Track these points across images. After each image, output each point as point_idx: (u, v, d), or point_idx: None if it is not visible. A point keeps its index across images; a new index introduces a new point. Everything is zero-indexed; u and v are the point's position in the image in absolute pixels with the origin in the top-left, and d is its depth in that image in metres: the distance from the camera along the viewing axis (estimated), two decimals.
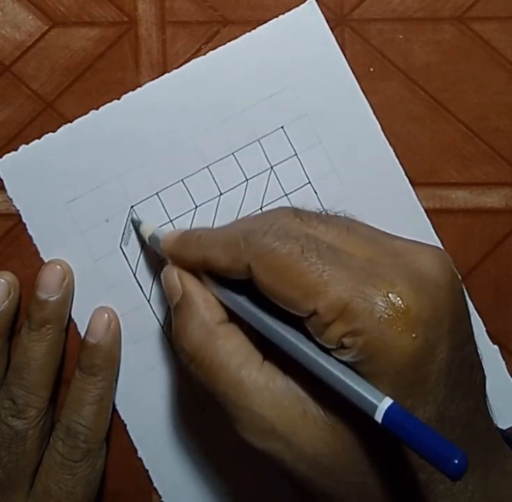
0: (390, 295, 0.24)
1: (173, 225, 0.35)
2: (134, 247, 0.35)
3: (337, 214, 0.29)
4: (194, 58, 0.35)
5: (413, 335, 0.24)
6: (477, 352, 0.27)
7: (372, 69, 0.35)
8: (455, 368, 0.25)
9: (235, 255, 0.27)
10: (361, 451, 0.25)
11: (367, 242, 0.26)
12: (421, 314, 0.24)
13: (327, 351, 0.25)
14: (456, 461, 0.21)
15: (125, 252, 0.35)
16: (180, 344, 0.28)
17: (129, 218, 0.35)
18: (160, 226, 0.35)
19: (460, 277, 0.27)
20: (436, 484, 0.25)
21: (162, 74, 0.35)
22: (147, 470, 0.36)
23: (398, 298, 0.24)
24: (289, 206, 0.29)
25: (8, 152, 0.35)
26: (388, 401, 0.23)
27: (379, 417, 0.23)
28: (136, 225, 0.35)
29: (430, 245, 0.27)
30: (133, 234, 0.35)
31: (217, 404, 0.27)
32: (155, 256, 0.35)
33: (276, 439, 0.26)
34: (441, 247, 0.35)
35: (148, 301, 0.35)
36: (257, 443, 0.26)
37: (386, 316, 0.24)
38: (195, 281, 0.29)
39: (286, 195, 0.35)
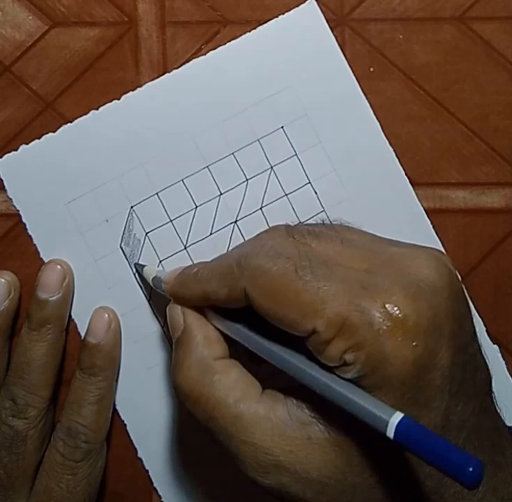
0: (387, 305, 0.24)
1: (173, 225, 0.35)
2: (134, 247, 0.35)
3: (333, 222, 0.29)
4: (194, 58, 0.35)
5: (414, 344, 0.24)
6: (481, 352, 0.27)
7: (372, 69, 0.35)
8: (459, 371, 0.25)
9: (231, 283, 0.27)
10: (369, 466, 0.25)
11: (363, 253, 0.26)
12: (420, 322, 0.24)
13: (330, 370, 0.25)
14: (471, 470, 0.21)
15: (125, 251, 0.35)
16: (176, 381, 0.28)
17: (128, 220, 0.35)
18: (160, 226, 0.35)
19: (459, 277, 0.27)
20: (446, 489, 0.25)
21: (162, 74, 0.35)
22: (147, 471, 0.36)
23: (395, 308, 0.24)
24: (282, 224, 0.29)
25: (8, 152, 0.35)
26: (398, 416, 0.23)
27: (390, 432, 0.23)
28: (139, 269, 0.35)
29: (427, 248, 0.27)
30: (133, 234, 0.35)
31: (218, 442, 0.27)
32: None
33: (281, 471, 0.25)
34: (440, 249, 0.35)
35: (148, 301, 0.35)
36: (262, 479, 0.26)
37: (384, 327, 0.24)
38: (198, 317, 0.29)
39: (286, 195, 0.36)
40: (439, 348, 0.24)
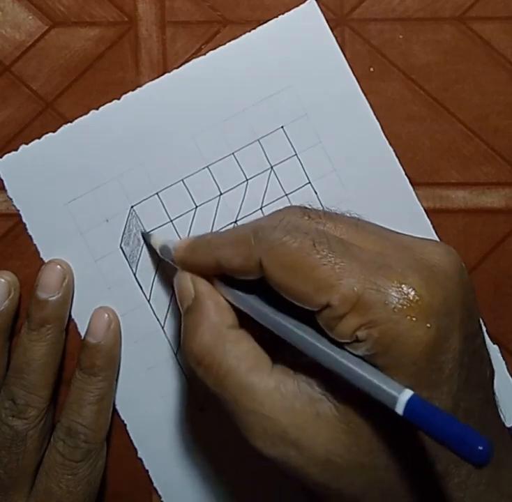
0: (403, 285, 0.24)
1: (173, 225, 0.35)
2: (134, 247, 0.35)
3: (344, 213, 0.29)
4: (194, 58, 0.35)
5: (428, 325, 0.24)
6: (486, 345, 0.27)
7: (372, 69, 0.35)
8: (468, 359, 0.25)
9: (246, 252, 0.27)
10: (377, 446, 0.25)
11: (376, 237, 0.27)
12: (434, 304, 0.24)
13: (340, 346, 0.25)
14: (481, 448, 0.21)
15: (125, 252, 0.35)
16: (188, 346, 0.28)
17: (128, 220, 0.35)
18: (160, 226, 0.35)
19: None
20: (451, 477, 0.25)
21: (162, 74, 0.35)
22: (147, 471, 0.36)
23: (411, 289, 0.24)
24: (297, 204, 0.29)
25: (8, 152, 0.35)
26: (408, 393, 0.23)
27: (400, 409, 0.22)
28: (146, 238, 0.35)
29: (436, 240, 0.28)
30: (133, 234, 0.35)
31: (226, 411, 0.27)
32: (156, 257, 0.35)
33: (287, 444, 0.25)
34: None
35: (148, 301, 0.35)
36: (268, 450, 0.26)
37: (399, 306, 0.24)
38: (208, 285, 0.29)
39: (286, 195, 0.36)
40: (451, 332, 0.24)
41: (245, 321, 0.28)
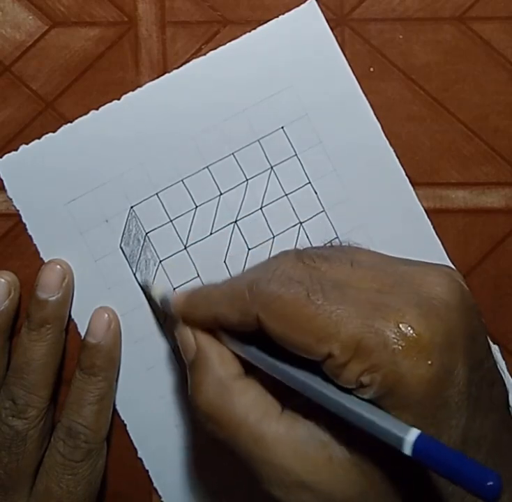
0: (400, 325, 0.24)
1: (173, 225, 0.35)
2: (134, 248, 0.35)
3: (342, 244, 0.29)
4: (194, 58, 0.35)
5: (429, 362, 0.24)
6: (496, 366, 0.27)
7: (372, 69, 0.35)
8: (475, 387, 0.25)
9: (243, 308, 0.27)
10: (391, 486, 0.25)
11: (373, 273, 0.26)
12: (434, 340, 0.24)
13: (348, 391, 0.25)
14: (490, 484, 0.21)
15: (125, 252, 0.35)
16: (195, 402, 0.28)
17: (128, 220, 0.35)
18: (160, 226, 0.35)
19: (470, 293, 0.26)
20: None
21: (162, 74, 0.35)
22: (147, 471, 0.36)
23: (409, 328, 0.24)
24: (291, 249, 0.29)
25: (8, 152, 0.35)
26: (414, 433, 0.23)
27: (407, 450, 0.22)
28: (147, 291, 0.35)
29: (438, 265, 0.27)
30: (133, 234, 0.35)
31: (240, 461, 0.27)
32: (156, 257, 0.35)
33: (303, 490, 0.25)
34: (442, 251, 0.35)
35: (148, 301, 0.35)
36: (285, 497, 0.26)
37: (399, 347, 0.24)
38: (209, 337, 0.29)
39: (286, 195, 0.36)
40: (455, 365, 0.24)
41: (251, 366, 0.28)
